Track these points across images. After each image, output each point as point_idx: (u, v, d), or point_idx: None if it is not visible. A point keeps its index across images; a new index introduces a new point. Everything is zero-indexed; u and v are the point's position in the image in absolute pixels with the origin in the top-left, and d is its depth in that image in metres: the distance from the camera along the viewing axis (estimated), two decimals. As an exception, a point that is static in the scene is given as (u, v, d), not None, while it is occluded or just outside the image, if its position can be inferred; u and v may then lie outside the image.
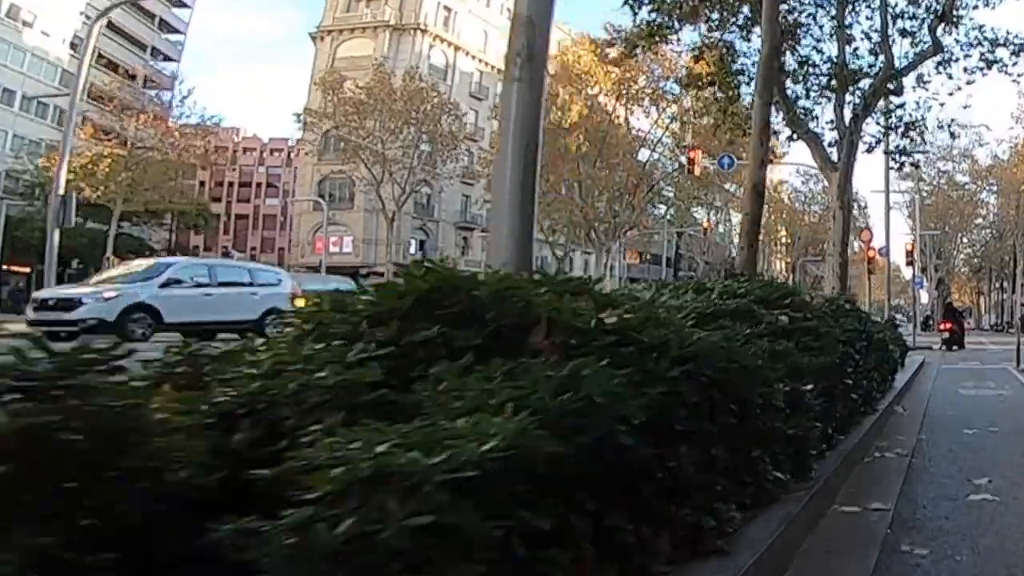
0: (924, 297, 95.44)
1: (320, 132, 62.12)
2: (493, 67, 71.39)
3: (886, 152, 24.36)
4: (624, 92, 57.85)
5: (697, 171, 39.48)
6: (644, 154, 64.47)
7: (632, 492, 2.72)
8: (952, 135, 26.05)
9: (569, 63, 56.19)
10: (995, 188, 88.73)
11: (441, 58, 77.31)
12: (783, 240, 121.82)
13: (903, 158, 24.91)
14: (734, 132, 23.25)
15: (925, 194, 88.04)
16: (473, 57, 79.60)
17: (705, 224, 64.36)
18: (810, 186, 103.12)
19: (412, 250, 72.44)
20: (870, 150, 24.13)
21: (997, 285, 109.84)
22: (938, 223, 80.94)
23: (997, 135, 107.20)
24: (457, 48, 78.58)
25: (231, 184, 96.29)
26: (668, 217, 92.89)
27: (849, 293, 21.73)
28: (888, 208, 33.17)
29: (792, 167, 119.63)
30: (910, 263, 34.47)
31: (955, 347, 33.18)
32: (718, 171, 76.90)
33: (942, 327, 35.16)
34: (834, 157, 21.57)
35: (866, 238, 33.85)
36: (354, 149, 56.05)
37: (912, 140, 24.10)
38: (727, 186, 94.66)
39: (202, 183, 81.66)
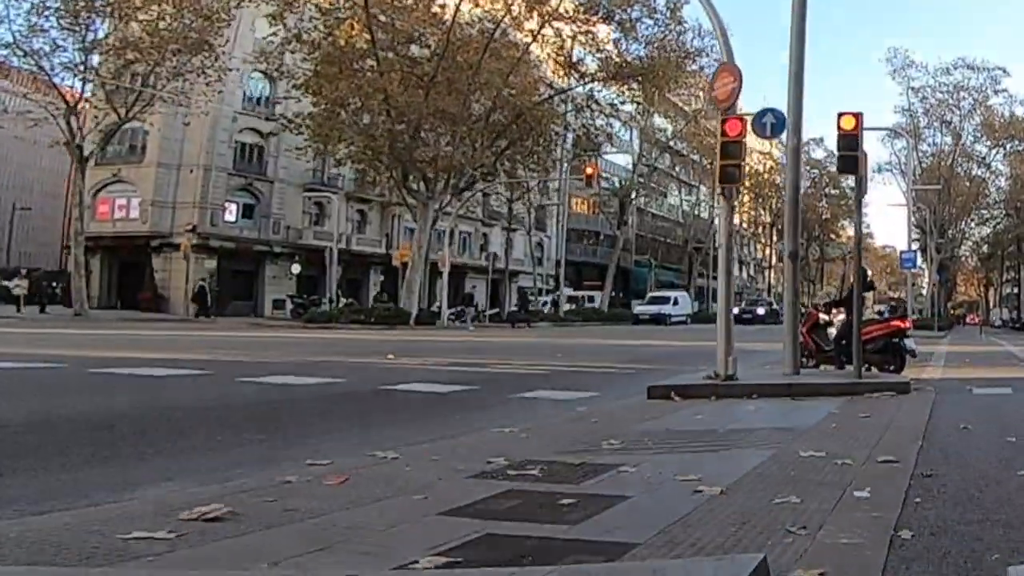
0: (924, 286, 74.33)
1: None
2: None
3: None
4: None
5: None
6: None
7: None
8: None
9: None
10: (1012, 149, 65.66)
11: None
12: (765, 220, 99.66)
13: None
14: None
15: (927, 164, 65.69)
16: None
17: (589, 170, 41.43)
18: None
19: (231, 217, 50.47)
20: None
21: (1011, 275, 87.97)
22: (940, 186, 57.79)
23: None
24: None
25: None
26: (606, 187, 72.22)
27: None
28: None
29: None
30: (844, 164, 11.76)
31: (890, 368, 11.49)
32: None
33: (872, 333, 13.33)
34: None
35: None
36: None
37: None
38: (679, 146, 73.94)
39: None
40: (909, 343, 13.46)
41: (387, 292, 48.33)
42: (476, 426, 7.34)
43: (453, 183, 37.78)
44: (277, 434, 6.69)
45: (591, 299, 64.13)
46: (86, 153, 33.31)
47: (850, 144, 11.62)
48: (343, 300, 43.81)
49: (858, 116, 11.65)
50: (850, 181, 55.59)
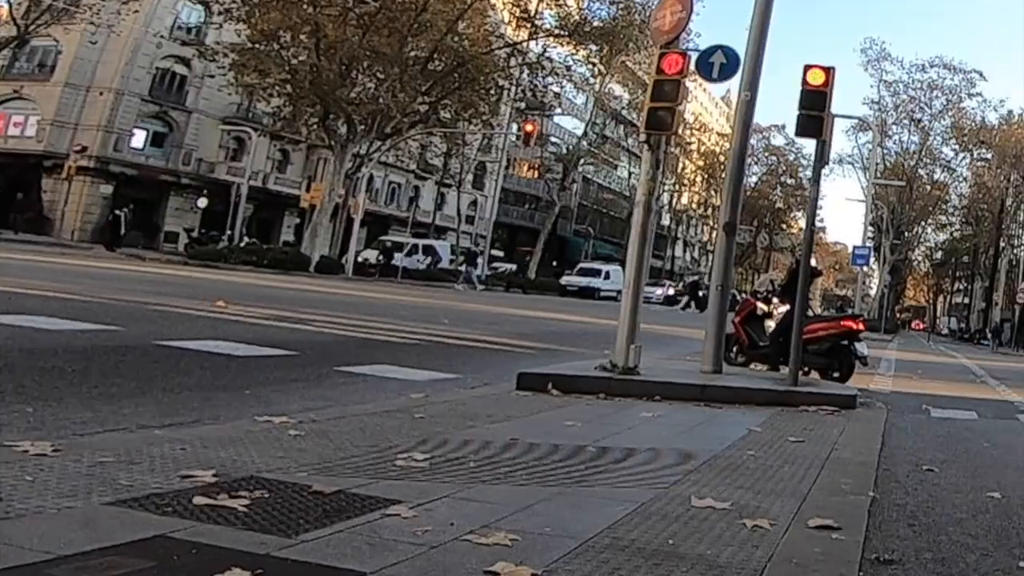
0: (873, 286, 73.68)
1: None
2: None
3: None
4: None
5: None
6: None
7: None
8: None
9: None
10: (979, 156, 65.33)
11: None
12: (716, 203, 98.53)
13: None
14: None
15: (891, 161, 64.72)
16: None
17: (528, 127, 39.24)
18: (752, 141, 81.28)
19: (137, 143, 47.47)
20: None
21: (962, 285, 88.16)
22: (904, 183, 57.01)
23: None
24: None
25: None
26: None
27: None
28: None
29: (726, 113, 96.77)
30: (806, 126, 9.66)
31: None
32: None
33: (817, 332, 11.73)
34: None
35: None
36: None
37: None
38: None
39: None
40: (861, 348, 11.68)
41: (300, 236, 45.97)
42: (248, 411, 5.22)
43: (378, 127, 35.28)
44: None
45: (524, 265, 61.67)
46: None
47: (816, 102, 9.70)
48: (246, 239, 41.18)
49: (828, 71, 9.73)
50: (808, 171, 54.56)
